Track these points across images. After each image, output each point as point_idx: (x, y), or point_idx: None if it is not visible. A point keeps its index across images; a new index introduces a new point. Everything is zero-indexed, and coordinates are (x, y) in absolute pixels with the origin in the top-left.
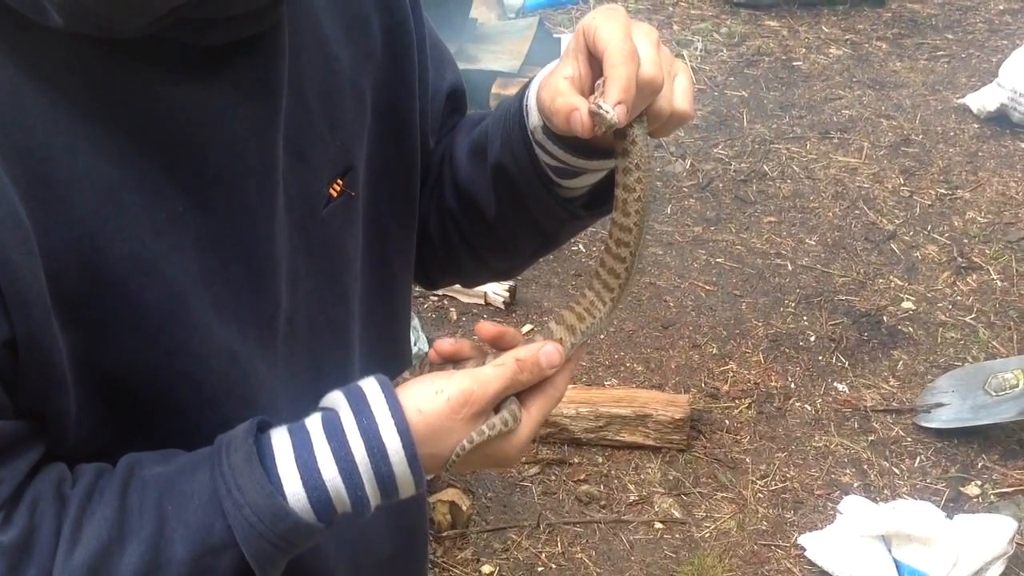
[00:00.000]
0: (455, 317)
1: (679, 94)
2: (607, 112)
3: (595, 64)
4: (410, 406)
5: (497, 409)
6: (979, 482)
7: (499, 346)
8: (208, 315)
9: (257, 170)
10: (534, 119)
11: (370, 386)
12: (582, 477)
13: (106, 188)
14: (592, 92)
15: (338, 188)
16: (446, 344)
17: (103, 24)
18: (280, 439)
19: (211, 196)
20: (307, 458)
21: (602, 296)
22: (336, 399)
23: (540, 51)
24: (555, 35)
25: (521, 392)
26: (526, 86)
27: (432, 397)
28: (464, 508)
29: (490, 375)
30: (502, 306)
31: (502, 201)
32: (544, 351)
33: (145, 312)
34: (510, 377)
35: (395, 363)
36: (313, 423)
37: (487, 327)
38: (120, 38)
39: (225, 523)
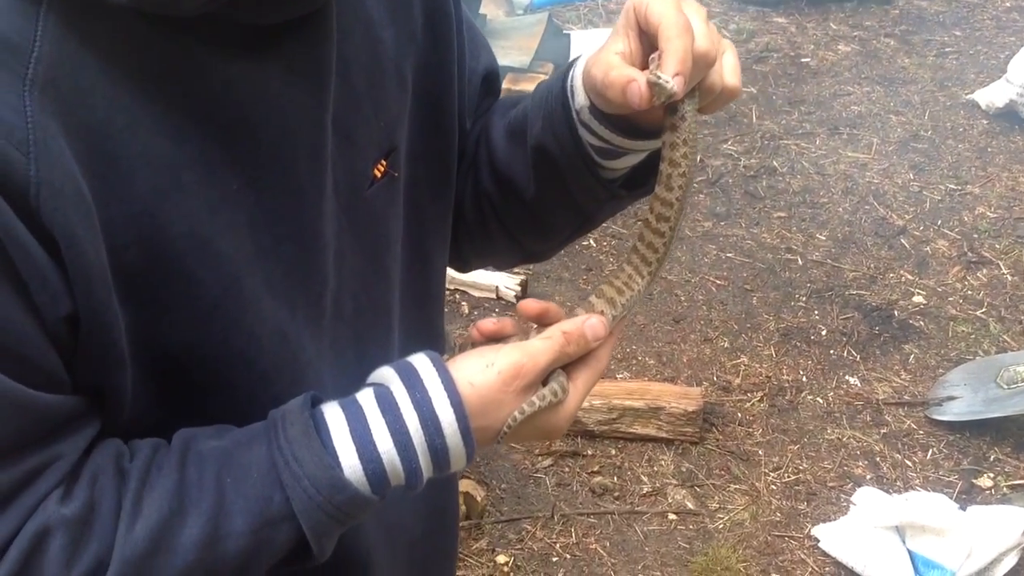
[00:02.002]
0: (467, 311)
1: (728, 70)
2: (666, 82)
3: (645, 41)
4: (462, 379)
5: (545, 382)
6: (991, 474)
7: (543, 322)
8: (260, 293)
9: (308, 150)
10: (580, 99)
11: (421, 361)
12: (596, 469)
13: (165, 165)
14: (644, 68)
15: (382, 169)
16: (489, 324)
17: (166, 2)
18: (333, 413)
19: (264, 175)
20: (362, 432)
21: (640, 270)
22: (386, 375)
23: (550, 47)
24: (564, 31)
25: (566, 365)
26: (569, 67)
27: (483, 370)
28: (479, 499)
29: (539, 348)
30: (514, 300)
31: (542, 182)
32: (589, 324)
33: (201, 289)
34: (558, 350)
35: (430, 344)
36: (366, 398)
37: (531, 305)
38: (178, 16)
39: (284, 495)
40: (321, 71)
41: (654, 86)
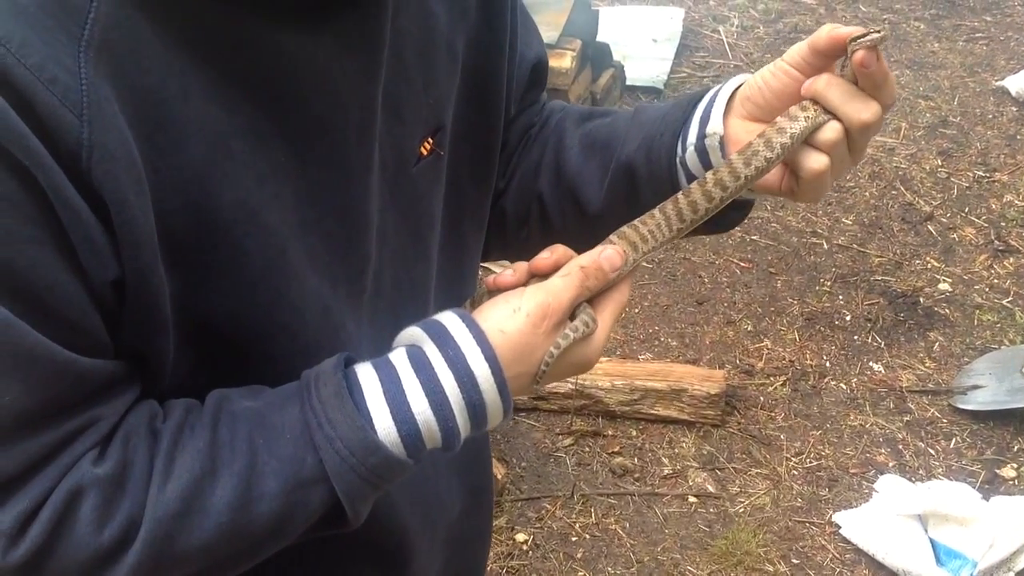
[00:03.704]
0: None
1: (862, 141)
2: (878, 30)
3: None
4: (492, 329)
5: (572, 317)
6: (1015, 465)
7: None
8: (304, 266)
9: (357, 124)
10: (714, 124)
11: (448, 318)
12: (616, 449)
13: (215, 134)
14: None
15: (428, 146)
16: (507, 278)
17: None
18: (366, 374)
19: (312, 148)
20: (396, 392)
21: (670, 224)
22: (415, 335)
23: (579, 22)
24: (593, 7)
25: (590, 299)
26: (692, 102)
27: (511, 316)
28: (499, 476)
29: (560, 285)
30: None
31: (615, 198)
32: (605, 256)
33: (247, 259)
34: (578, 284)
35: None
36: (398, 358)
37: (543, 261)
38: None
39: (316, 457)
40: (374, 44)
41: (869, 33)
